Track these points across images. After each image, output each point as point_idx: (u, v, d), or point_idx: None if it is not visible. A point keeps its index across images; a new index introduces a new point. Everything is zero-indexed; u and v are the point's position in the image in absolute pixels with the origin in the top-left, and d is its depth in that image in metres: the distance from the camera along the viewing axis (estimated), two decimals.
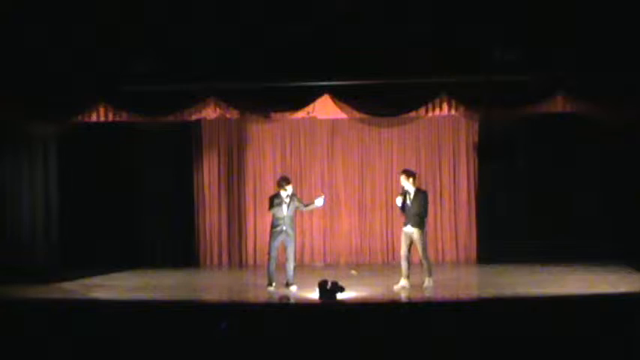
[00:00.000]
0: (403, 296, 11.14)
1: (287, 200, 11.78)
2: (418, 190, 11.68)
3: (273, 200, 11.87)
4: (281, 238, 11.84)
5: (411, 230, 11.55)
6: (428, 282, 11.60)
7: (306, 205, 12.16)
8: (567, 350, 7.41)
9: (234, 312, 9.11)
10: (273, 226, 11.88)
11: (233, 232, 15.25)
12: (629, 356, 7.34)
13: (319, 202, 11.99)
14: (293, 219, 11.88)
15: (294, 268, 11.97)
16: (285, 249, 11.92)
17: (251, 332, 7.92)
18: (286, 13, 12.11)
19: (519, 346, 7.46)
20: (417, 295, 11.17)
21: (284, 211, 11.78)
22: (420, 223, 11.56)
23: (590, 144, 14.28)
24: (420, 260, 11.70)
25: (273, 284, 11.84)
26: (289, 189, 11.82)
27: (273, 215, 11.88)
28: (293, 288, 11.75)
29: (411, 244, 11.60)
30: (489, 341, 7.51)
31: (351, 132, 15.13)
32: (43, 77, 12.42)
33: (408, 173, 11.74)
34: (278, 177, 12.43)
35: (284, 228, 11.78)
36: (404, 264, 11.60)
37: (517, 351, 7.42)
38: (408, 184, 11.59)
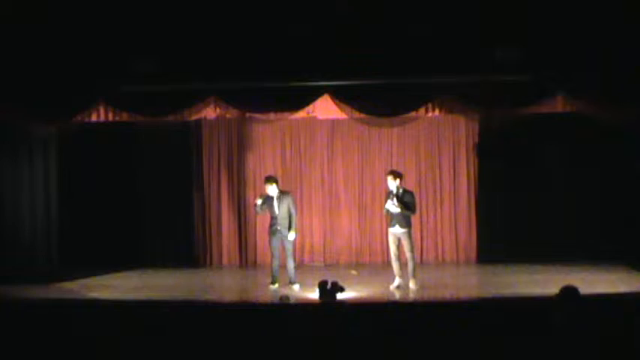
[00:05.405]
0: (399, 295, 11.15)
1: (276, 200, 11.83)
2: (405, 191, 11.67)
3: (262, 201, 11.94)
4: (278, 237, 11.89)
5: (400, 231, 11.55)
6: (413, 284, 11.57)
7: (290, 220, 11.90)
8: (567, 350, 7.41)
9: (234, 312, 9.11)
10: (270, 225, 12.00)
11: (233, 232, 15.24)
12: (629, 356, 7.34)
13: (291, 236, 11.93)
14: (286, 218, 11.89)
15: (294, 267, 12.03)
16: (284, 248, 11.98)
17: (251, 332, 7.93)
18: (287, 12, 12.11)
19: (519, 346, 7.45)
20: (415, 296, 11.17)
21: (275, 210, 11.83)
22: (408, 223, 11.57)
23: (590, 144, 14.27)
24: (406, 261, 11.67)
25: (276, 284, 11.89)
26: (272, 188, 11.84)
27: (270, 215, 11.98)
28: (295, 287, 11.81)
29: (399, 244, 11.62)
30: (489, 341, 7.51)
31: (351, 132, 15.12)
32: (43, 77, 12.42)
33: (396, 174, 11.73)
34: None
35: (278, 227, 11.84)
36: (395, 264, 11.65)
37: (517, 351, 7.42)
38: (394, 185, 11.58)
